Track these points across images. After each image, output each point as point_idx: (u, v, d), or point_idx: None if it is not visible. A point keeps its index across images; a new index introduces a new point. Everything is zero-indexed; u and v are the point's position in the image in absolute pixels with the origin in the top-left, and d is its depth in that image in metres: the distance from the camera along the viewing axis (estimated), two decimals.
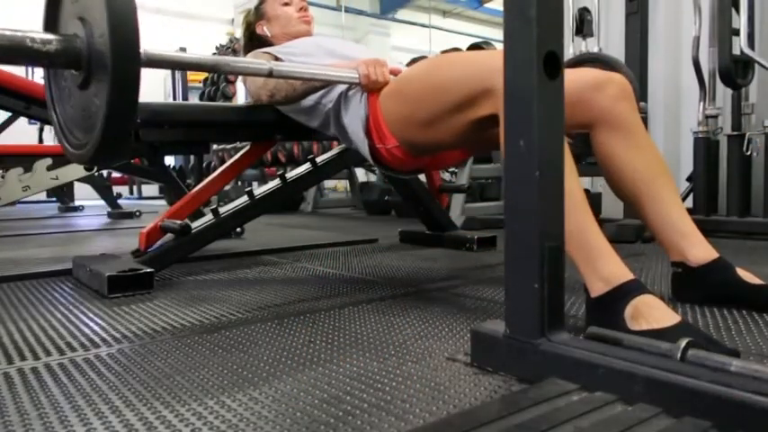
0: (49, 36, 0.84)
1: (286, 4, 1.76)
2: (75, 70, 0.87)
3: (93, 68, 0.84)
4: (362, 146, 1.39)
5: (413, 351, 0.92)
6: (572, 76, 1.06)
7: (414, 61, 4.04)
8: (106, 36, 0.78)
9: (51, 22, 0.96)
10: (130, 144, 0.86)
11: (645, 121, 2.76)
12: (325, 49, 1.60)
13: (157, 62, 1.00)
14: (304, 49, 1.61)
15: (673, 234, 1.14)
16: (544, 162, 0.72)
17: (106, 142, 0.83)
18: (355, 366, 0.86)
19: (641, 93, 2.78)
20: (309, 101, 1.52)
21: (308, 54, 1.58)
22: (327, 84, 1.44)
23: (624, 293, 0.90)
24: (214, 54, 6.13)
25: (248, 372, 0.84)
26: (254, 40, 1.78)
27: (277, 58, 1.60)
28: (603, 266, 0.93)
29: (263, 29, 1.75)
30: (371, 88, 1.34)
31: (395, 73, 1.39)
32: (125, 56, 0.79)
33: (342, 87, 1.44)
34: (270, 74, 1.19)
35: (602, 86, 1.12)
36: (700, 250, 1.14)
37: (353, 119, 1.40)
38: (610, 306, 0.91)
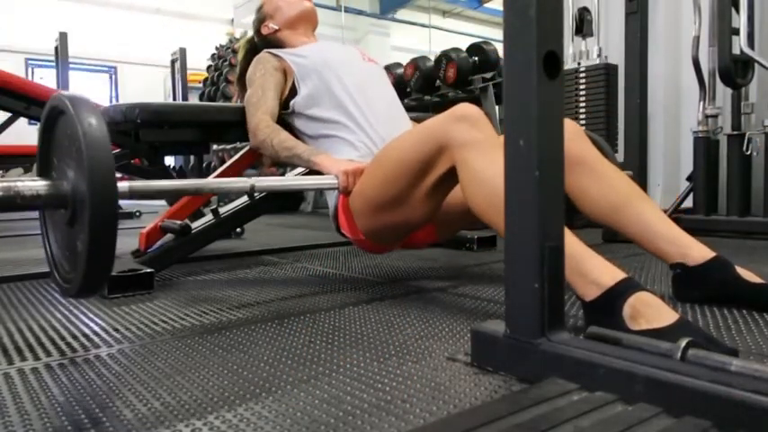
0: (38, 185, 0.93)
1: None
2: (63, 210, 0.95)
3: (78, 208, 0.91)
4: (333, 224, 1.49)
5: (413, 351, 0.92)
6: None
7: (414, 62, 4.03)
8: (86, 181, 0.85)
9: (45, 165, 1.05)
10: (107, 278, 0.95)
11: (645, 119, 2.77)
12: (333, 73, 1.56)
13: (140, 194, 1.09)
14: (312, 63, 1.58)
15: (663, 243, 1.17)
16: (544, 162, 0.72)
17: (88, 279, 0.89)
18: (355, 366, 0.86)
19: (641, 92, 2.79)
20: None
21: (315, 69, 1.56)
22: (307, 168, 1.48)
23: (619, 293, 0.90)
24: (213, 54, 6.14)
25: (248, 372, 0.84)
26: (260, 47, 1.74)
27: (283, 60, 1.60)
28: (591, 270, 0.93)
29: (269, 26, 1.74)
30: (347, 194, 1.37)
31: None
32: (101, 199, 0.85)
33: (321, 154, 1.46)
34: (252, 190, 1.24)
35: None
36: (695, 250, 1.15)
37: (329, 198, 1.50)
38: (607, 307, 0.91)
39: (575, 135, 1.22)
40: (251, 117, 1.54)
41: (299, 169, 1.93)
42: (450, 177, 1.16)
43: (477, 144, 1.08)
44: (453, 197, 1.25)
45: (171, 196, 1.18)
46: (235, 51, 5.60)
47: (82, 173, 0.87)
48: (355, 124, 1.50)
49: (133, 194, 1.06)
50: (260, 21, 1.76)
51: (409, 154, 1.21)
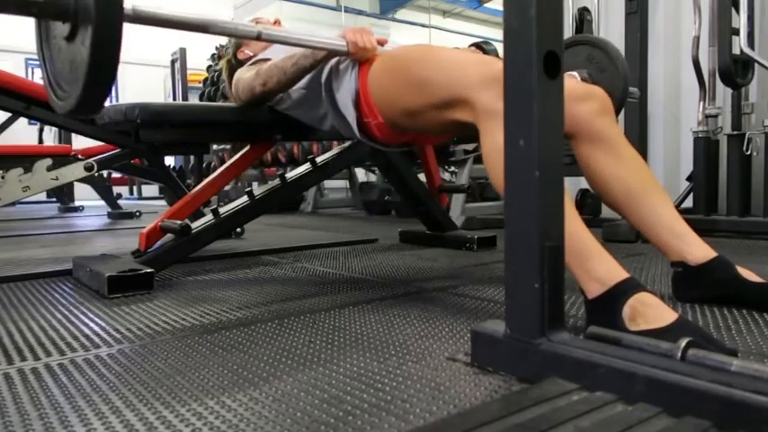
0: None
1: (257, 23, 1.78)
2: (63, 22, 0.90)
3: (80, 20, 0.87)
4: (351, 119, 1.39)
5: (413, 351, 0.92)
6: None
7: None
8: None
9: None
10: (107, 96, 0.92)
11: (645, 119, 2.77)
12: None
13: (145, 18, 1.04)
14: (284, 48, 1.60)
15: (669, 236, 1.15)
16: (544, 162, 0.72)
17: (87, 91, 0.85)
18: (355, 366, 0.86)
19: (641, 92, 2.78)
20: (302, 87, 1.52)
21: (287, 51, 1.57)
22: (316, 63, 1.43)
23: (620, 293, 0.90)
24: (213, 54, 6.13)
25: (248, 372, 0.84)
26: (237, 68, 1.78)
27: (260, 61, 1.62)
28: (597, 267, 0.93)
29: (245, 52, 1.78)
30: (360, 56, 1.36)
31: (381, 43, 1.41)
32: (107, 8, 0.82)
33: (332, 63, 1.45)
34: (258, 36, 1.23)
35: (582, 100, 1.16)
36: (698, 249, 1.14)
37: (344, 93, 1.40)
38: (607, 306, 0.91)
39: (600, 109, 1.17)
40: (246, 78, 1.56)
41: (300, 169, 1.94)
42: (467, 125, 1.13)
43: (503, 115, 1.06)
44: None
45: (175, 27, 1.14)
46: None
47: None
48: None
49: (137, 17, 1.02)
50: (237, 46, 1.82)
51: (432, 83, 1.18)
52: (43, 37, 1.05)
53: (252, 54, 1.76)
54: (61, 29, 0.91)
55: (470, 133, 1.21)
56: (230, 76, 1.80)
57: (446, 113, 1.17)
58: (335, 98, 1.44)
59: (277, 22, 1.79)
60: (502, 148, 1.01)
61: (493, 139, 1.05)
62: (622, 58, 1.54)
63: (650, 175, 1.18)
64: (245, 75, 1.60)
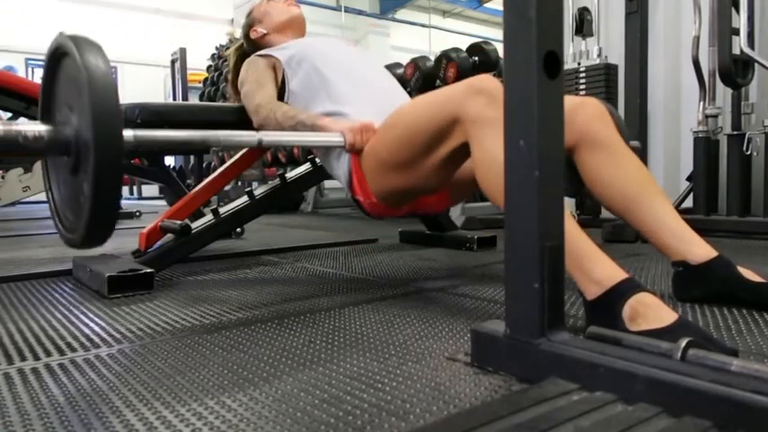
0: (40, 128, 0.89)
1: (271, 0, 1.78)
2: (66, 156, 0.91)
3: (81, 155, 0.87)
4: (347, 191, 1.45)
5: (413, 351, 0.92)
6: None
7: (414, 62, 4.04)
8: (90, 124, 0.81)
9: (46, 110, 1.00)
10: (112, 231, 0.96)
11: (645, 119, 2.77)
12: (320, 53, 1.58)
13: (146, 143, 1.04)
14: (297, 51, 1.60)
15: (669, 237, 1.16)
16: (544, 162, 0.72)
17: (93, 227, 0.86)
18: (355, 366, 0.86)
19: (641, 92, 2.78)
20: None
21: (303, 57, 1.57)
22: (314, 131, 1.43)
23: (619, 294, 0.90)
24: (214, 54, 6.13)
25: (248, 372, 0.84)
26: (249, 52, 1.76)
27: (271, 56, 1.61)
28: (595, 269, 0.93)
29: (257, 30, 1.76)
30: (354, 152, 1.35)
31: None
32: (106, 145, 0.81)
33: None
34: (259, 143, 1.22)
35: (578, 108, 1.20)
36: (700, 249, 1.14)
37: (339, 166, 1.45)
38: (607, 308, 0.91)
39: (598, 116, 1.20)
40: (251, 101, 1.54)
41: (301, 168, 1.94)
42: (464, 151, 1.13)
43: (492, 122, 1.05)
44: (468, 163, 1.23)
45: (176, 148, 1.15)
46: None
47: (86, 118, 0.82)
48: (347, 98, 1.48)
49: (138, 143, 1.01)
50: (249, 25, 1.80)
51: (423, 120, 1.18)
52: (50, 167, 1.07)
53: (265, 32, 1.74)
54: (66, 161, 0.92)
55: (462, 182, 1.32)
56: (237, 64, 1.78)
57: (439, 149, 1.18)
58: (332, 164, 1.48)
59: None
60: (492, 156, 1.03)
61: (482, 147, 1.06)
62: (617, 114, 1.60)
63: (649, 177, 1.19)
64: (248, 94, 1.57)
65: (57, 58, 0.95)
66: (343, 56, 1.61)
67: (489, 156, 1.04)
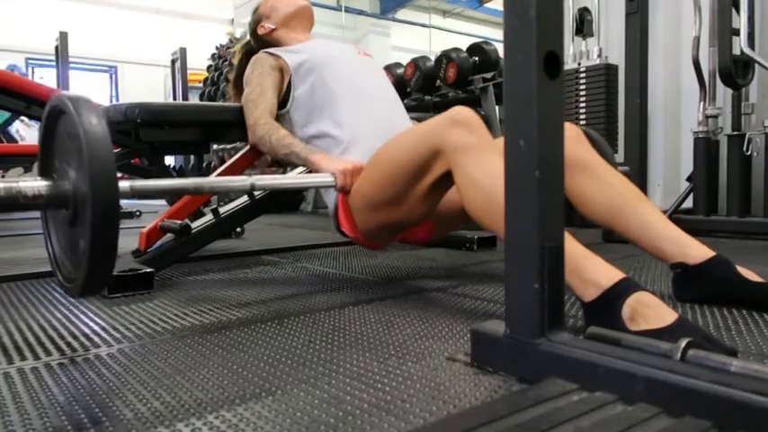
0: (40, 185, 0.94)
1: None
2: (65, 209, 0.95)
3: (79, 208, 0.91)
4: (333, 222, 1.49)
5: (413, 351, 0.92)
6: None
7: (414, 62, 4.03)
8: (87, 180, 0.85)
9: (46, 165, 1.05)
10: (111, 277, 0.98)
11: (645, 120, 2.77)
12: (330, 64, 1.56)
13: (142, 193, 1.11)
14: (307, 59, 1.58)
15: (664, 242, 1.17)
16: (544, 162, 0.72)
17: (90, 279, 0.90)
18: (355, 366, 0.86)
19: (641, 92, 2.78)
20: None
21: (312, 66, 1.56)
22: (303, 165, 1.46)
23: (618, 294, 0.90)
24: (214, 54, 6.13)
25: (248, 372, 0.84)
26: (257, 49, 1.75)
27: (279, 58, 1.60)
28: (590, 271, 0.93)
29: (265, 26, 1.75)
30: (344, 193, 1.38)
31: None
32: (103, 198, 0.85)
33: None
34: (252, 187, 1.23)
35: None
36: (696, 250, 1.15)
37: (327, 194, 1.49)
38: (606, 309, 0.91)
39: (574, 138, 1.24)
40: (250, 114, 1.55)
41: (300, 168, 1.94)
42: (447, 180, 1.17)
43: (472, 149, 1.09)
44: (451, 195, 1.26)
45: (171, 195, 1.18)
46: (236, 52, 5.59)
47: (83, 172, 0.87)
48: (348, 123, 1.49)
49: (134, 193, 1.07)
50: (256, 21, 1.78)
51: (405, 156, 1.22)
52: (49, 219, 1.10)
53: (273, 27, 1.73)
54: (65, 214, 0.96)
55: (448, 213, 1.35)
56: (241, 62, 1.77)
57: (423, 180, 1.20)
58: (320, 190, 1.52)
59: None
60: (474, 182, 1.07)
61: (465, 173, 1.09)
62: (596, 135, 1.64)
63: (634, 189, 1.22)
64: (249, 100, 1.57)
65: (54, 116, 1.00)
66: (352, 70, 1.59)
67: (473, 181, 1.08)
